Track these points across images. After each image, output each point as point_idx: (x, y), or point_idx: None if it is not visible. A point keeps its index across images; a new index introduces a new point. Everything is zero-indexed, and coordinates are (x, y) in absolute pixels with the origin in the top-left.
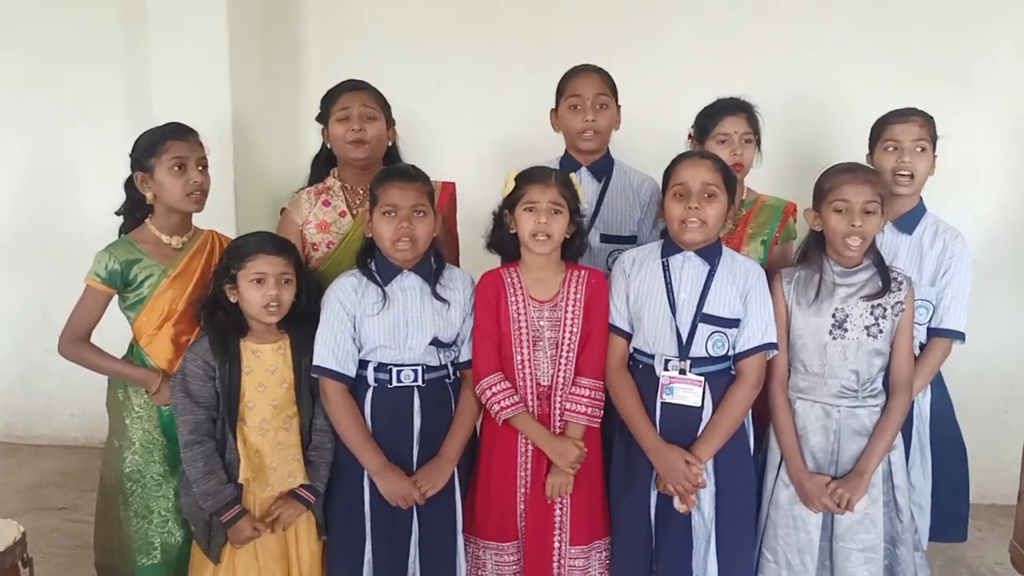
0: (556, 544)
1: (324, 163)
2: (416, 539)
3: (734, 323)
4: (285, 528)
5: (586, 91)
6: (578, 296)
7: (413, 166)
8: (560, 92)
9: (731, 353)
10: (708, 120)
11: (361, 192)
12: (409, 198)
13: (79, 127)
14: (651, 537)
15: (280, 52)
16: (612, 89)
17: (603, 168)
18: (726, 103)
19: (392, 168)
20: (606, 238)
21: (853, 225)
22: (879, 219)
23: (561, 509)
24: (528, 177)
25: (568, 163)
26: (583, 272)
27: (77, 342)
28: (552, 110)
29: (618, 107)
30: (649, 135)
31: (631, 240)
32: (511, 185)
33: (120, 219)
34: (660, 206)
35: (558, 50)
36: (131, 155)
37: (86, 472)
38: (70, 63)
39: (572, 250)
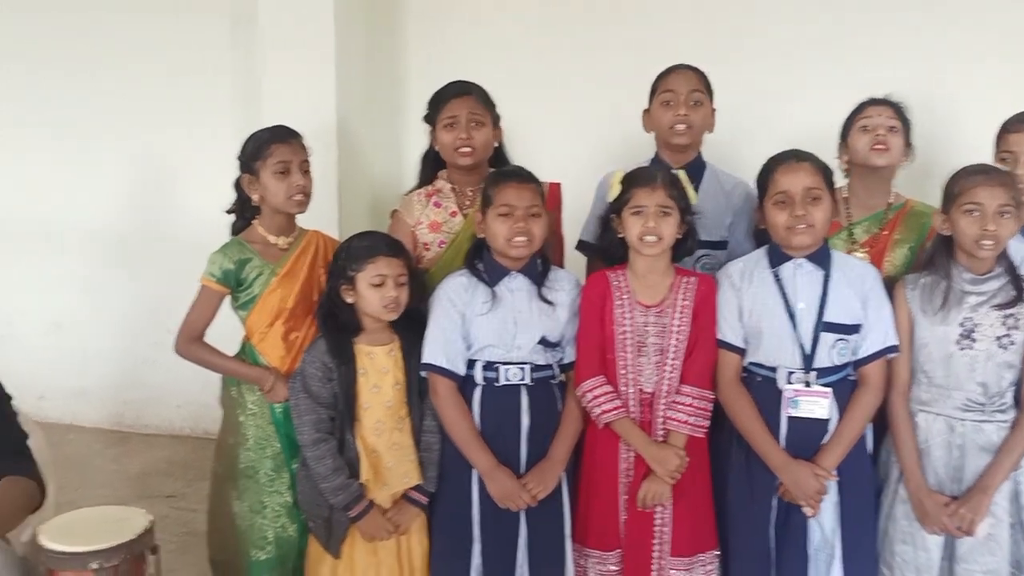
0: (655, 555)
1: (432, 162)
2: (525, 543)
3: (856, 329)
4: (402, 533)
5: (680, 87)
6: (686, 302)
7: (525, 168)
8: (654, 90)
9: (852, 360)
10: (851, 114)
11: (470, 193)
12: (525, 198)
13: (188, 131)
14: (769, 551)
15: (382, 55)
16: (707, 88)
17: (694, 171)
18: (873, 98)
19: (507, 170)
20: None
21: (986, 229)
22: (1014, 223)
23: (661, 519)
24: (634, 180)
25: (655, 167)
26: (692, 278)
27: (193, 341)
28: (645, 111)
29: (712, 109)
30: (750, 140)
31: (721, 245)
32: (617, 189)
33: (230, 218)
34: (758, 213)
35: (656, 51)
36: (239, 158)
37: (192, 462)
38: (181, 69)
39: (683, 250)
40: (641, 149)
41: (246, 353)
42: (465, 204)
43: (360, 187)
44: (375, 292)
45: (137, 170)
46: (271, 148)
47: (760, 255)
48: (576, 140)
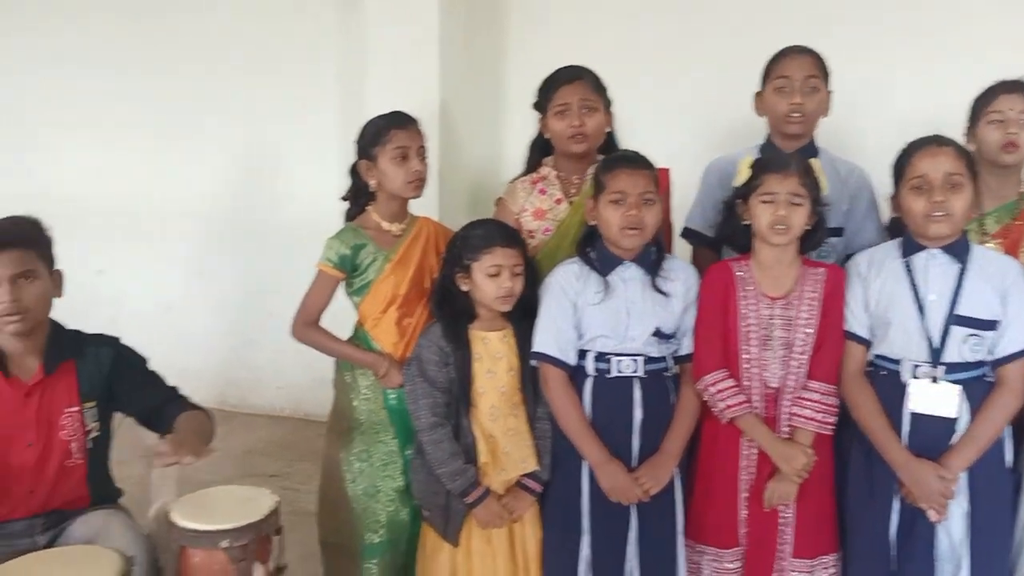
0: (778, 555)
1: (540, 149)
2: (635, 538)
3: (992, 325)
4: (515, 521)
5: (795, 73)
6: (814, 294)
7: (639, 153)
8: (767, 74)
9: (988, 359)
10: (980, 100)
11: (576, 180)
12: (638, 185)
13: (292, 117)
14: (889, 555)
15: (483, 40)
16: (823, 72)
17: (807, 156)
18: (1004, 82)
19: (620, 155)
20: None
21: None
22: None
23: (784, 518)
24: (766, 165)
25: (769, 150)
26: (820, 269)
27: (310, 326)
28: (757, 94)
29: (828, 93)
30: (867, 123)
31: (836, 232)
32: (746, 174)
33: (332, 203)
34: (892, 200)
35: (763, 30)
36: (357, 143)
37: (293, 442)
38: (287, 55)
39: (811, 242)
40: (749, 133)
41: (359, 338)
42: (571, 191)
43: (459, 174)
44: (491, 282)
45: (243, 156)
46: (390, 134)
47: (892, 245)
48: (681, 124)
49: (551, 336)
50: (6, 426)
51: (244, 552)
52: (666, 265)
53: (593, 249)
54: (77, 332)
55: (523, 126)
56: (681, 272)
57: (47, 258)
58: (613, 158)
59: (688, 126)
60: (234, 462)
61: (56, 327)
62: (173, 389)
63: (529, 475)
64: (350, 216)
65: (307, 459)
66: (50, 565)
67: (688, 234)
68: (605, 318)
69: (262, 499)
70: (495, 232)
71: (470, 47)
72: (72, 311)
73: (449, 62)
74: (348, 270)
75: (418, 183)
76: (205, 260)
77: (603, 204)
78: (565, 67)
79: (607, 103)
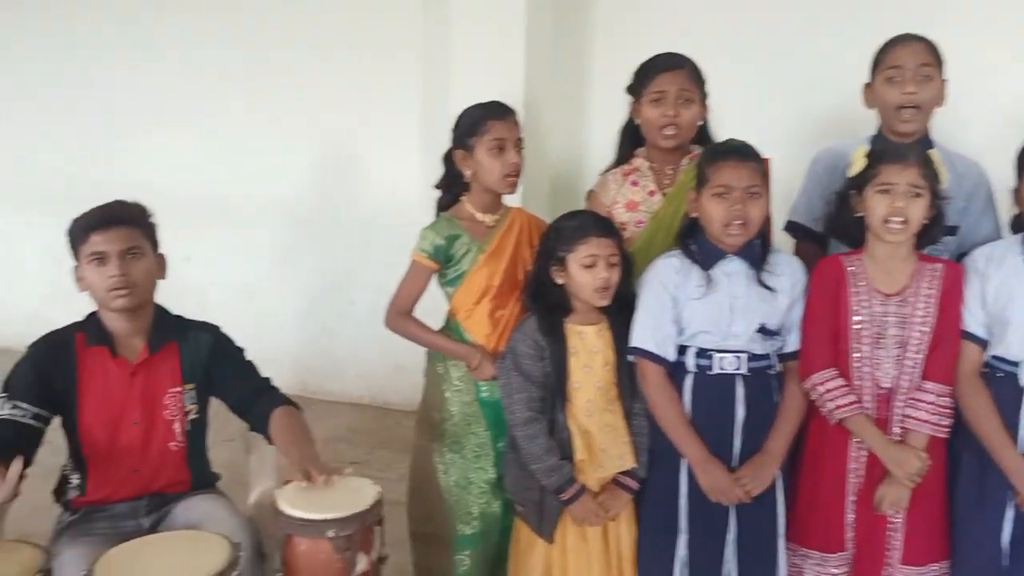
0: (886, 560)
1: (630, 136)
2: (734, 538)
3: None
4: (612, 519)
5: (907, 61)
6: (931, 291)
7: (746, 143)
8: (877, 64)
9: None
10: None
11: (669, 172)
12: (743, 178)
13: (376, 108)
14: (1000, 565)
15: (569, 28)
16: (937, 60)
17: (924, 148)
18: None
19: (725, 145)
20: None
21: None
22: None
23: (894, 524)
24: (883, 155)
25: (879, 144)
26: (938, 264)
27: (403, 315)
28: (866, 85)
29: (943, 81)
30: (971, 113)
31: (951, 231)
32: (861, 163)
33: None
34: (1015, 194)
35: (865, 16)
36: (453, 131)
37: (373, 430)
38: (371, 45)
39: (928, 237)
40: (845, 123)
41: (451, 330)
42: (664, 183)
43: (542, 167)
44: (586, 273)
45: (326, 145)
46: (488, 124)
47: (1013, 241)
48: (773, 115)
49: (649, 331)
50: (114, 404)
51: (349, 542)
52: (771, 259)
53: (694, 242)
54: (179, 317)
55: (607, 117)
56: (787, 266)
57: (152, 239)
58: (718, 149)
59: (781, 117)
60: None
61: (160, 310)
62: (267, 380)
63: (626, 472)
64: (442, 206)
65: (386, 447)
66: (160, 549)
67: (792, 227)
68: (707, 313)
69: (365, 489)
70: (589, 222)
71: (556, 36)
72: (161, 297)
73: (535, 51)
74: (442, 260)
75: (514, 177)
76: (288, 248)
77: (706, 197)
78: (665, 54)
79: (704, 95)
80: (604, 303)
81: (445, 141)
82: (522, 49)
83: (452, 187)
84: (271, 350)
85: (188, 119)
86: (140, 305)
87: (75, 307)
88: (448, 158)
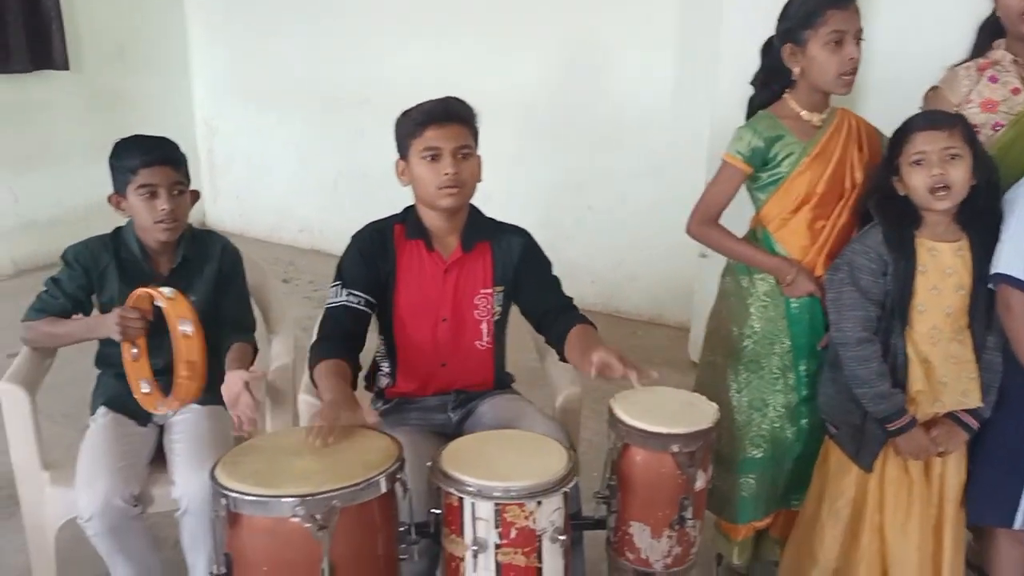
0: None
1: (990, 31)
2: None
3: None
4: (943, 456)
5: None
6: None
7: None
8: None
9: None
10: None
11: None
12: None
13: (623, 10)
14: None
15: None
16: None
17: None
18: None
19: None
20: None
21: None
22: None
23: None
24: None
25: None
26: None
27: (708, 222)
28: None
29: None
30: None
31: None
32: None
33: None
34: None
35: None
36: (779, 22)
37: (605, 339)
38: None
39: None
40: None
41: (760, 241)
42: None
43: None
44: (916, 172)
45: (570, 49)
46: (826, 15)
47: None
48: None
49: (1018, 255)
50: (427, 298)
51: (691, 459)
52: None
53: None
54: (492, 219)
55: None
56: None
57: (477, 140)
58: None
59: None
60: None
61: (474, 210)
62: (569, 299)
63: (969, 410)
64: (754, 105)
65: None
66: (501, 445)
67: None
68: None
69: (703, 405)
70: (920, 118)
71: None
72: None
73: None
74: (757, 165)
75: (851, 75)
76: (526, 151)
77: None
78: None
79: None
80: (942, 206)
81: (703, 32)
82: None
83: (771, 83)
84: None
85: (430, 20)
86: (463, 205)
87: (313, 200)
88: (767, 50)
